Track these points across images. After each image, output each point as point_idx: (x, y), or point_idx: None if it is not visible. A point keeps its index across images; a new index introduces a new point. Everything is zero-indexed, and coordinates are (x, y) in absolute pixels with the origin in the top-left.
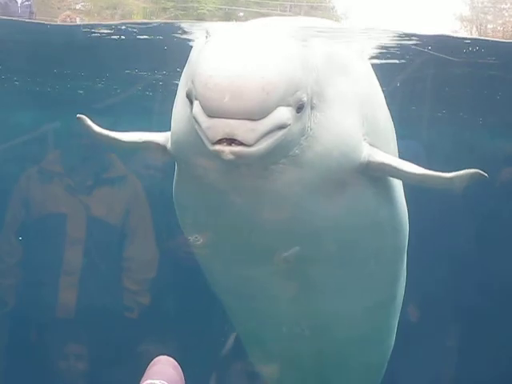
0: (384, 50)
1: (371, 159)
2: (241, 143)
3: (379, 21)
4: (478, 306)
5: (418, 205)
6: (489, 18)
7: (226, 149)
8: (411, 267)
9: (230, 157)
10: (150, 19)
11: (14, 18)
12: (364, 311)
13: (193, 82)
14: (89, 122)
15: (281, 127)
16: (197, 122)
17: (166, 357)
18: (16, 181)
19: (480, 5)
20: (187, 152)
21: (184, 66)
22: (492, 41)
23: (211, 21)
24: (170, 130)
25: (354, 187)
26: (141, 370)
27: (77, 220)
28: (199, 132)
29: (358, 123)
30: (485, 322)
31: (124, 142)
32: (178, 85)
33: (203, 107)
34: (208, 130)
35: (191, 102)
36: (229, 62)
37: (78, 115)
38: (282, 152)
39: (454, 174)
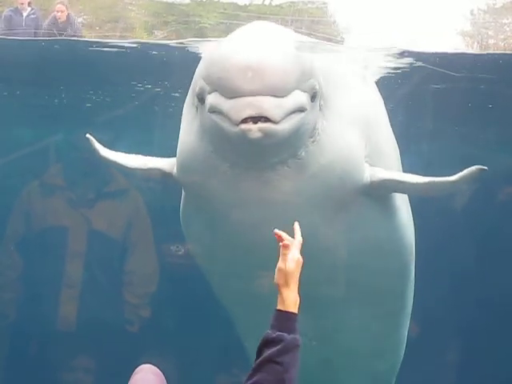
0: (386, 67)
1: (373, 178)
2: (266, 121)
3: (380, 36)
4: (487, 319)
5: (425, 221)
6: (490, 33)
7: (253, 127)
8: (419, 279)
9: (258, 135)
10: (152, 33)
11: (17, 37)
12: (371, 324)
13: (206, 78)
14: (96, 143)
15: (300, 110)
16: (215, 110)
17: (148, 365)
18: (18, 194)
19: (481, 20)
20: (195, 162)
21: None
22: (493, 54)
23: (212, 35)
24: (171, 149)
25: (356, 207)
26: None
27: (78, 234)
28: (219, 121)
29: (361, 143)
30: (494, 335)
31: (129, 168)
32: (179, 98)
33: (223, 91)
34: (231, 110)
35: (203, 102)
36: (246, 45)
37: (86, 135)
38: (297, 142)
39: (457, 176)
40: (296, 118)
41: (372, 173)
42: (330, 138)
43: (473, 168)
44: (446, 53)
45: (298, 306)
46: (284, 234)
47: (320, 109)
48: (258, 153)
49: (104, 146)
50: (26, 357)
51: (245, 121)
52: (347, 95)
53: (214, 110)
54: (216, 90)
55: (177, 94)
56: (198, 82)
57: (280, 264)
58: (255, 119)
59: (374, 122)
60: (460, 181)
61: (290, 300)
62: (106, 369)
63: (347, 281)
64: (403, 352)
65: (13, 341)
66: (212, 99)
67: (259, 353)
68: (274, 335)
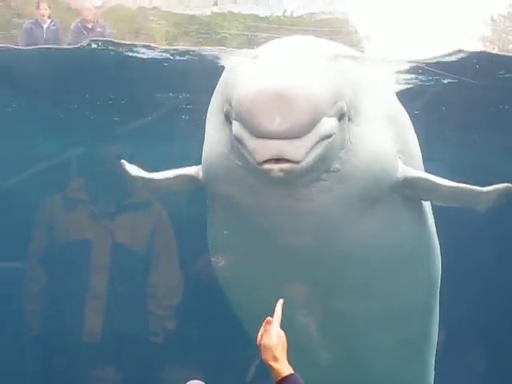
0: (405, 78)
1: (407, 175)
2: (288, 161)
3: (400, 46)
4: None
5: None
6: (511, 38)
7: (275, 167)
8: (445, 304)
9: (280, 174)
10: (173, 44)
11: (37, 46)
12: (394, 349)
13: (231, 104)
14: (127, 166)
15: (326, 137)
16: (240, 141)
17: (197, 381)
18: (40, 208)
19: (502, 25)
20: (219, 175)
21: (211, 91)
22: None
23: (233, 46)
24: (193, 161)
25: (390, 204)
26: None
27: (101, 247)
28: (243, 151)
29: (392, 140)
30: None
31: (159, 180)
32: (201, 110)
33: (247, 128)
34: (254, 151)
35: (229, 123)
36: (271, 82)
37: (121, 161)
38: (326, 164)
39: (490, 188)
40: (321, 147)
41: (405, 169)
42: (362, 142)
43: (505, 185)
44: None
45: (291, 368)
46: (278, 311)
47: (350, 119)
48: (284, 183)
49: (127, 159)
50: (51, 370)
51: (268, 160)
52: (374, 95)
53: (238, 141)
54: (240, 122)
55: (199, 106)
56: (224, 100)
57: (264, 341)
58: (278, 160)
59: (400, 121)
60: (491, 193)
61: (282, 368)
62: (131, 382)
63: (375, 292)
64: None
65: (38, 354)
66: (237, 129)
67: None
68: None
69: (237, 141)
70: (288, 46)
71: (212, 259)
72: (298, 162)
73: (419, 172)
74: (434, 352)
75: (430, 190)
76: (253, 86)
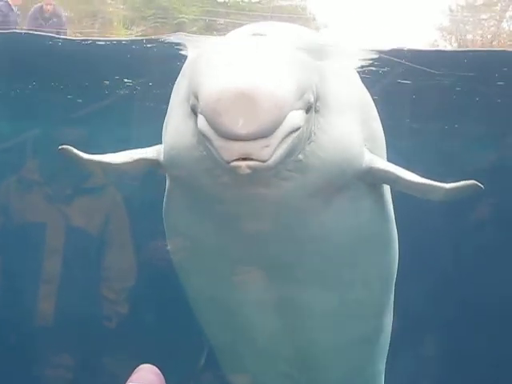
0: (364, 65)
1: (372, 165)
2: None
3: (358, 32)
4: (473, 340)
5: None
6: (468, 28)
7: (242, 164)
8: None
9: (247, 171)
10: (130, 28)
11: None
12: (349, 346)
13: (197, 98)
14: (75, 151)
15: (293, 131)
16: (206, 137)
17: (148, 365)
18: None
19: (459, 16)
20: (185, 164)
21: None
22: (472, 51)
23: (191, 31)
24: (148, 141)
25: (353, 194)
26: (119, 378)
27: (55, 229)
28: (209, 146)
29: (358, 129)
30: (481, 356)
31: (115, 164)
32: (157, 95)
33: (213, 128)
34: (221, 150)
35: (195, 114)
36: (235, 84)
37: (60, 147)
38: (291, 156)
39: (453, 185)
40: (288, 142)
41: (371, 159)
42: (327, 134)
43: (470, 182)
44: (425, 50)
45: None
46: None
47: (316, 110)
48: (252, 178)
49: (82, 142)
50: (3, 352)
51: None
52: (340, 83)
53: (204, 136)
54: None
55: (156, 91)
56: (189, 92)
57: None
58: (245, 158)
59: (366, 108)
60: (454, 191)
61: None
62: (84, 364)
63: (334, 281)
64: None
65: None
66: (202, 125)
67: None
68: None
69: (203, 137)
70: (254, 36)
71: (168, 244)
72: (264, 161)
73: (385, 163)
74: (387, 347)
75: (393, 182)
76: (217, 87)
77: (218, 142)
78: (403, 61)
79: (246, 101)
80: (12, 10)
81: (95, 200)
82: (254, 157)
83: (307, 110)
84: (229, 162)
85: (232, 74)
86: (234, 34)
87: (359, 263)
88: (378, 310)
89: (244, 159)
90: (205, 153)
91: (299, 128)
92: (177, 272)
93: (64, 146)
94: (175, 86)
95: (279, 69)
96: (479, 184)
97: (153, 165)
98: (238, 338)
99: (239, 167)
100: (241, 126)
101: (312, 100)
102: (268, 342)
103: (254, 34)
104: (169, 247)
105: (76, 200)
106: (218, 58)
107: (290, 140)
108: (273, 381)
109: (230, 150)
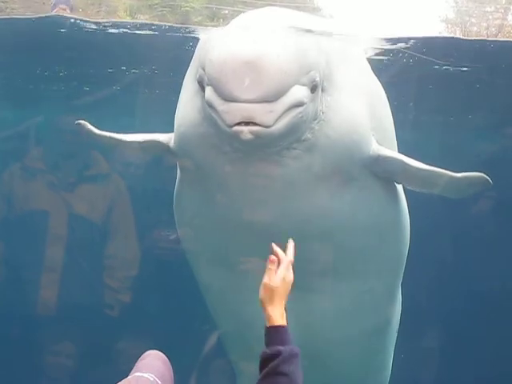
0: (372, 54)
1: (380, 153)
2: (257, 124)
3: (363, 22)
4: (482, 331)
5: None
6: (473, 20)
7: (244, 129)
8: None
9: (249, 136)
10: (136, 17)
11: None
12: (359, 336)
13: (204, 69)
14: (89, 126)
15: (297, 105)
16: (211, 106)
17: (155, 351)
18: None
19: (464, 7)
20: (192, 142)
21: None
22: (478, 40)
23: (196, 19)
24: (153, 129)
25: (362, 182)
26: (125, 365)
27: (59, 217)
28: (214, 115)
29: (367, 115)
30: (487, 348)
31: (126, 142)
32: (164, 82)
33: (218, 92)
34: (225, 114)
35: (203, 89)
36: (242, 45)
37: (77, 121)
38: (297, 132)
39: (463, 175)
40: (292, 114)
41: (379, 148)
42: (335, 113)
43: (479, 174)
44: (432, 37)
45: (285, 318)
46: (279, 250)
47: (323, 90)
48: (255, 147)
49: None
50: (4, 341)
51: (237, 123)
52: (350, 69)
53: (210, 106)
54: (212, 86)
55: (163, 79)
56: (198, 66)
57: (265, 279)
58: (247, 122)
59: (376, 97)
60: (464, 180)
61: (276, 315)
62: (89, 352)
63: (343, 266)
64: (390, 367)
65: None
66: (209, 94)
67: (260, 372)
68: (270, 351)
69: (208, 106)
70: (263, 16)
71: (179, 231)
72: (268, 127)
73: (392, 152)
74: (396, 335)
75: (401, 172)
76: (224, 49)
77: (222, 106)
78: (409, 50)
79: (252, 63)
80: None
81: (99, 188)
82: (257, 121)
83: (312, 89)
84: (231, 126)
85: (239, 38)
86: (241, 16)
87: (369, 251)
88: (387, 298)
89: (247, 124)
90: (211, 129)
91: (303, 104)
92: (187, 259)
93: (80, 121)
94: (189, 68)
95: (286, 41)
96: (488, 179)
97: (163, 150)
98: (248, 326)
99: (241, 132)
100: (245, 87)
101: (318, 79)
102: None
103: (262, 15)
104: (179, 234)
105: (79, 188)
106: (226, 31)
107: (294, 113)
108: None
109: (233, 113)
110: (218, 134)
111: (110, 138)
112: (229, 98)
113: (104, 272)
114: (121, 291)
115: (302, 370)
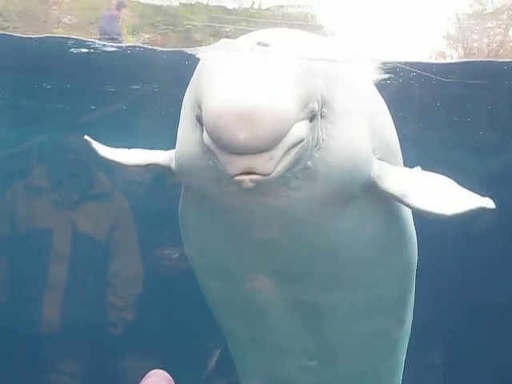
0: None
1: (382, 172)
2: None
3: (365, 40)
4: (492, 334)
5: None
6: (475, 36)
7: (246, 178)
8: (419, 294)
9: (251, 185)
10: (138, 35)
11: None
12: (370, 338)
13: (201, 110)
14: (94, 144)
15: (297, 143)
16: (210, 151)
17: (160, 370)
18: (1, 195)
19: (466, 24)
20: (193, 173)
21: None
22: (480, 61)
23: (199, 38)
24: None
25: (364, 202)
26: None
27: (62, 236)
28: (214, 159)
29: (368, 137)
30: (500, 350)
31: (128, 165)
32: (166, 101)
33: (216, 143)
34: (226, 165)
35: (202, 125)
36: (236, 98)
37: (85, 137)
38: (298, 165)
39: (468, 207)
40: (293, 153)
41: (380, 166)
42: (335, 140)
43: (484, 200)
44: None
45: None
46: None
47: (322, 116)
48: (257, 190)
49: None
50: (9, 360)
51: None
52: (349, 88)
53: (209, 149)
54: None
55: (165, 98)
56: (195, 99)
57: None
58: (249, 172)
59: (378, 116)
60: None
61: None
62: (92, 371)
63: (351, 283)
64: (401, 373)
65: None
66: (207, 139)
67: None
68: None
69: (207, 149)
70: (257, 46)
71: (185, 248)
72: (268, 174)
73: (395, 168)
74: (408, 339)
75: (405, 193)
76: (217, 103)
77: (222, 156)
78: (414, 70)
79: (247, 117)
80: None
81: (101, 207)
82: (257, 171)
83: (311, 119)
84: (233, 176)
85: (232, 90)
86: (238, 41)
87: (375, 269)
88: (398, 305)
89: (248, 173)
90: (211, 162)
91: (304, 139)
92: (195, 276)
93: (86, 137)
94: (186, 93)
95: (281, 83)
96: (491, 205)
97: (165, 170)
98: (258, 336)
99: (243, 181)
100: (242, 142)
101: (316, 108)
102: (288, 340)
103: (257, 43)
104: (186, 250)
105: (83, 207)
106: (219, 71)
107: (294, 151)
108: (294, 376)
109: (233, 165)
110: (217, 169)
111: (113, 160)
112: (227, 151)
113: (107, 290)
114: (124, 309)
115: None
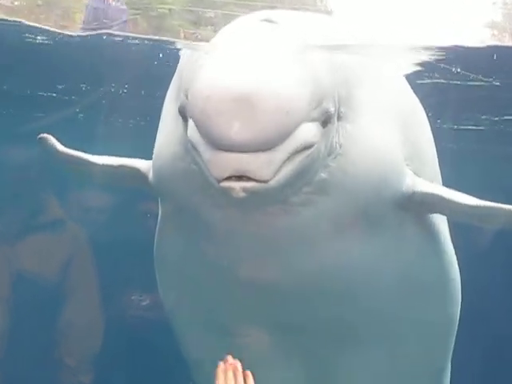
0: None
1: (416, 189)
2: (251, 179)
3: (387, 28)
4: None
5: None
6: None
7: (236, 185)
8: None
9: (242, 195)
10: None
11: None
12: None
13: (187, 97)
14: (53, 140)
15: (305, 148)
16: (195, 148)
17: None
18: None
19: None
20: (174, 180)
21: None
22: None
23: (175, 24)
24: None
25: (394, 227)
26: None
27: (1, 275)
28: (199, 161)
29: (399, 142)
30: None
31: (97, 165)
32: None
33: (203, 136)
34: (211, 164)
35: (185, 120)
36: (230, 77)
37: (40, 135)
38: (305, 178)
39: None
40: (297, 160)
41: (415, 181)
42: (356, 144)
43: None
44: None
45: None
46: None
47: (340, 118)
48: (248, 203)
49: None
50: None
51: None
52: (374, 84)
53: (193, 147)
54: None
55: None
56: (180, 88)
57: None
58: (240, 176)
59: (411, 119)
60: None
61: None
62: None
63: (373, 330)
64: None
65: None
66: (192, 133)
67: None
68: None
69: (191, 146)
70: (258, 26)
71: (160, 289)
72: (265, 181)
73: (434, 186)
74: None
75: (446, 209)
76: (209, 81)
77: (207, 153)
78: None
79: (244, 100)
80: None
81: (50, 239)
82: (251, 175)
83: (325, 123)
84: (220, 181)
85: (228, 67)
86: (239, 21)
87: (407, 314)
88: (433, 369)
89: (239, 178)
90: (194, 166)
91: (313, 145)
92: (172, 329)
93: (43, 135)
94: (171, 84)
95: (291, 66)
96: None
97: (141, 181)
98: None
99: (232, 189)
100: (235, 132)
101: (332, 110)
102: None
103: (264, 20)
104: (160, 293)
105: (25, 239)
106: (216, 48)
107: (299, 158)
108: None
109: (221, 164)
110: (203, 175)
111: (78, 157)
112: (216, 146)
113: (57, 348)
114: (79, 372)
115: None
